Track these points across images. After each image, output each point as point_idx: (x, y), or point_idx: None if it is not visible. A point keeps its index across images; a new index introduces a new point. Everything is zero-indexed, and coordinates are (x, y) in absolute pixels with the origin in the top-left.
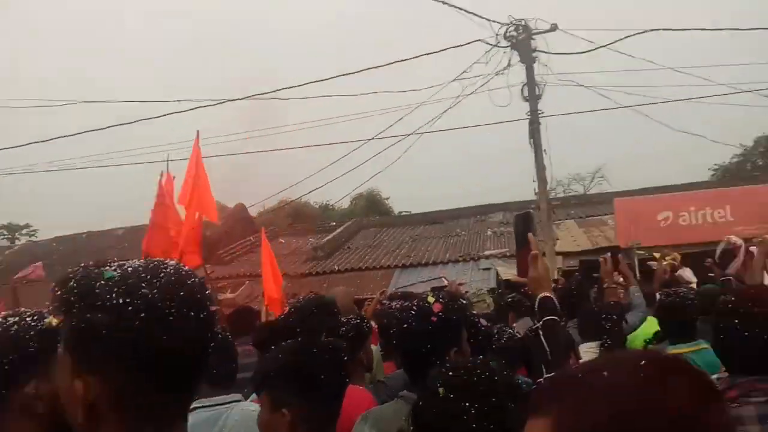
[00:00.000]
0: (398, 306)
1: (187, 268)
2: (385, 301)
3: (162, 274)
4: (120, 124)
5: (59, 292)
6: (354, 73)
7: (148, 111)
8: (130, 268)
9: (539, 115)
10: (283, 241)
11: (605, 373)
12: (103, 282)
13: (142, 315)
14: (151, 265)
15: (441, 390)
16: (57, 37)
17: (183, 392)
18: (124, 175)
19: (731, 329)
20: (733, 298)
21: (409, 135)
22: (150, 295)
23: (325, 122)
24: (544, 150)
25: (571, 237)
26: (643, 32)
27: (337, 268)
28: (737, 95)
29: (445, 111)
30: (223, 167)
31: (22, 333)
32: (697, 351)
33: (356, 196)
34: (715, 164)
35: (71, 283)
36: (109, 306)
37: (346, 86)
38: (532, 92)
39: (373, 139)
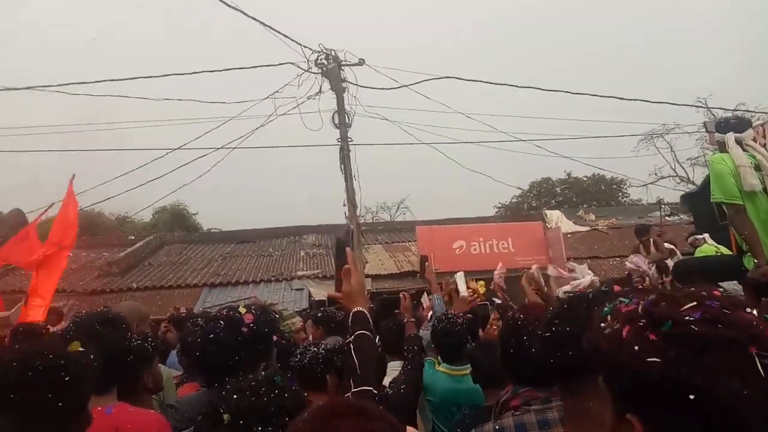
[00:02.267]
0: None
1: None
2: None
3: None
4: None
5: None
6: (159, 76)
7: None
8: None
9: (349, 143)
10: (70, 254)
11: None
12: None
13: None
14: None
15: (226, 417)
16: None
17: None
18: None
19: (515, 344)
20: (520, 316)
21: (218, 149)
22: None
23: (122, 125)
24: (354, 176)
25: (379, 260)
26: (440, 78)
27: (135, 286)
28: (517, 143)
29: (257, 128)
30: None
31: None
32: (465, 374)
33: (159, 209)
34: (499, 202)
35: None
36: None
37: (149, 88)
38: (342, 120)
39: (179, 148)
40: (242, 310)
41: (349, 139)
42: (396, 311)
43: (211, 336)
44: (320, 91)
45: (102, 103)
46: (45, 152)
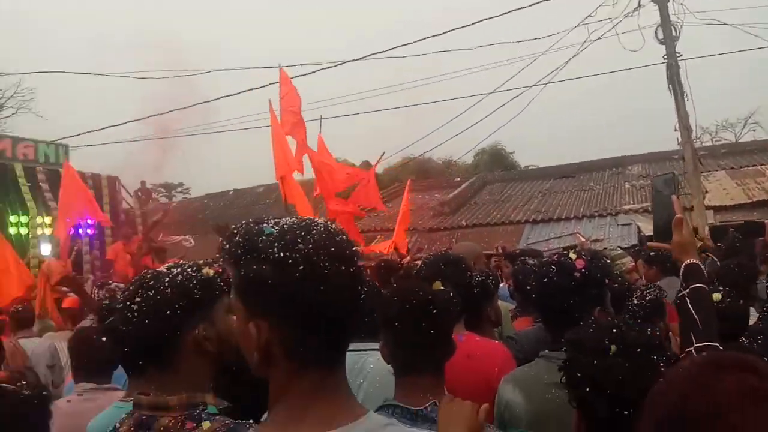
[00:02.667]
0: (535, 263)
1: (335, 226)
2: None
3: (314, 231)
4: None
5: (227, 246)
6: (469, 25)
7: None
8: (285, 225)
9: (678, 58)
10: (409, 197)
11: None
12: (264, 237)
13: (301, 268)
14: (304, 222)
15: (613, 348)
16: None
17: (340, 340)
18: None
19: None
20: None
21: (531, 87)
22: (306, 250)
23: (443, 78)
24: (686, 95)
25: (722, 189)
26: None
27: (464, 223)
28: None
29: (569, 59)
30: (349, 126)
31: (186, 282)
32: None
33: (479, 151)
34: None
35: (236, 237)
36: (271, 259)
37: (462, 40)
38: (667, 33)
39: (494, 92)
40: (573, 255)
41: (677, 55)
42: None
43: (545, 280)
44: (639, 6)
45: (423, 62)
46: (384, 111)
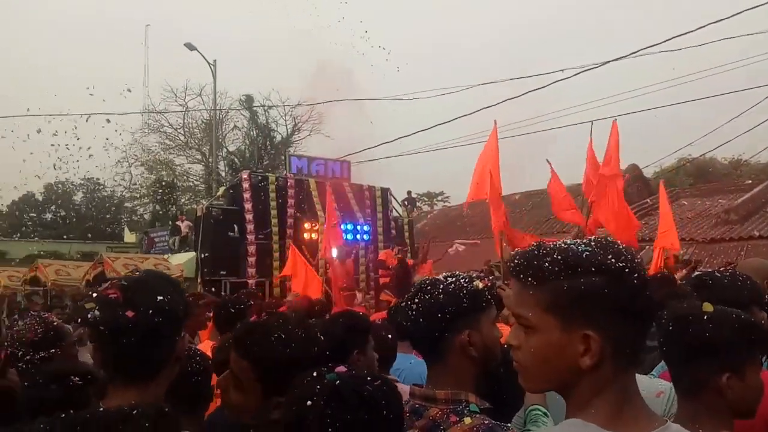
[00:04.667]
0: None
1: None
2: None
3: (615, 245)
4: (532, 91)
5: (538, 263)
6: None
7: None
8: (593, 242)
9: None
10: (685, 203)
11: None
12: (582, 252)
13: (635, 276)
14: (603, 239)
15: None
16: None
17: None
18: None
19: None
20: None
21: None
22: (631, 259)
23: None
24: None
25: None
26: None
27: (756, 234)
28: None
29: None
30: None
31: (457, 291)
32: None
33: None
34: None
35: (546, 257)
36: (606, 270)
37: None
38: None
39: None
40: None
41: None
42: None
43: None
44: None
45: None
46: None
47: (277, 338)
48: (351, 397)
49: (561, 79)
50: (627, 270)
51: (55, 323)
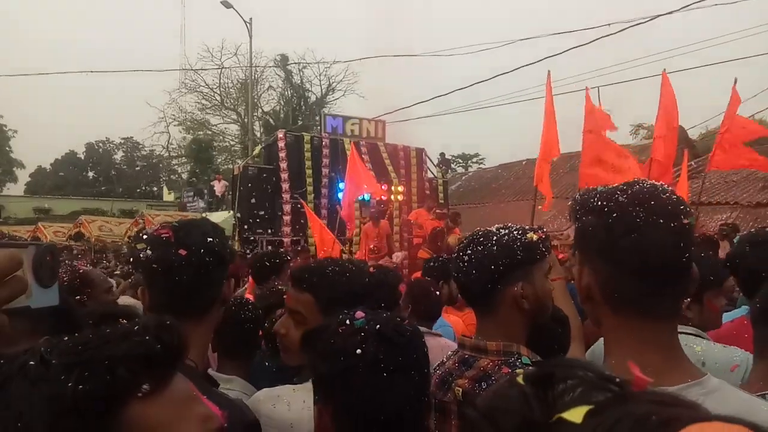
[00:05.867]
0: None
1: (663, 185)
2: None
3: (636, 187)
4: (552, 56)
5: (571, 206)
6: None
7: (573, 41)
8: (615, 185)
9: None
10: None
11: None
12: (596, 193)
13: (614, 215)
14: (632, 182)
15: None
16: None
17: (665, 293)
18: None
19: None
20: None
21: None
22: (621, 200)
23: None
24: None
25: None
26: None
27: None
28: None
29: None
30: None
31: (511, 243)
32: None
33: None
34: None
35: (577, 198)
36: (591, 208)
37: None
38: None
39: None
40: None
41: None
42: None
43: None
44: None
45: None
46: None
47: (331, 269)
48: (397, 338)
49: (606, 35)
50: (606, 210)
51: (80, 270)
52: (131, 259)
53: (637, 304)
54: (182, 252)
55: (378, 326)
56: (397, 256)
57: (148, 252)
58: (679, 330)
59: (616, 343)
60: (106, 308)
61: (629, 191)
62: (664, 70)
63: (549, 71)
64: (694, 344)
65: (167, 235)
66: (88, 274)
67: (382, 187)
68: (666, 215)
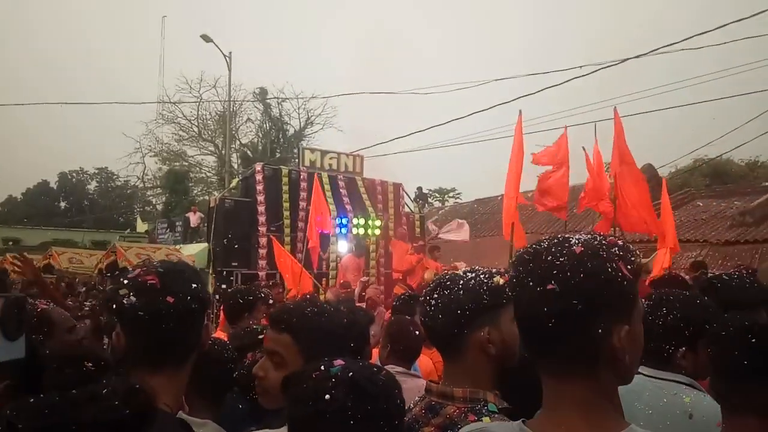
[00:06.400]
0: None
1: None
2: None
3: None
4: (526, 95)
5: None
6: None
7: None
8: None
9: None
10: (700, 204)
11: None
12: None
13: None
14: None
15: None
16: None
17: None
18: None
19: None
20: None
21: None
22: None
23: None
24: None
25: None
26: None
27: None
28: None
29: None
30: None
31: (477, 287)
32: None
33: None
34: None
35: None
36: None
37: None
38: None
39: None
40: None
41: None
42: None
43: None
44: None
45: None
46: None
47: (310, 310)
48: (369, 387)
49: (578, 77)
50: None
51: (38, 309)
52: (112, 306)
53: (538, 365)
54: (170, 299)
55: (351, 374)
56: (361, 283)
57: (132, 299)
58: (671, 379)
59: (545, 401)
60: (68, 350)
61: (567, 252)
62: (615, 107)
63: (520, 111)
64: (684, 394)
65: (153, 281)
66: (47, 312)
67: (330, 220)
68: (536, 277)
